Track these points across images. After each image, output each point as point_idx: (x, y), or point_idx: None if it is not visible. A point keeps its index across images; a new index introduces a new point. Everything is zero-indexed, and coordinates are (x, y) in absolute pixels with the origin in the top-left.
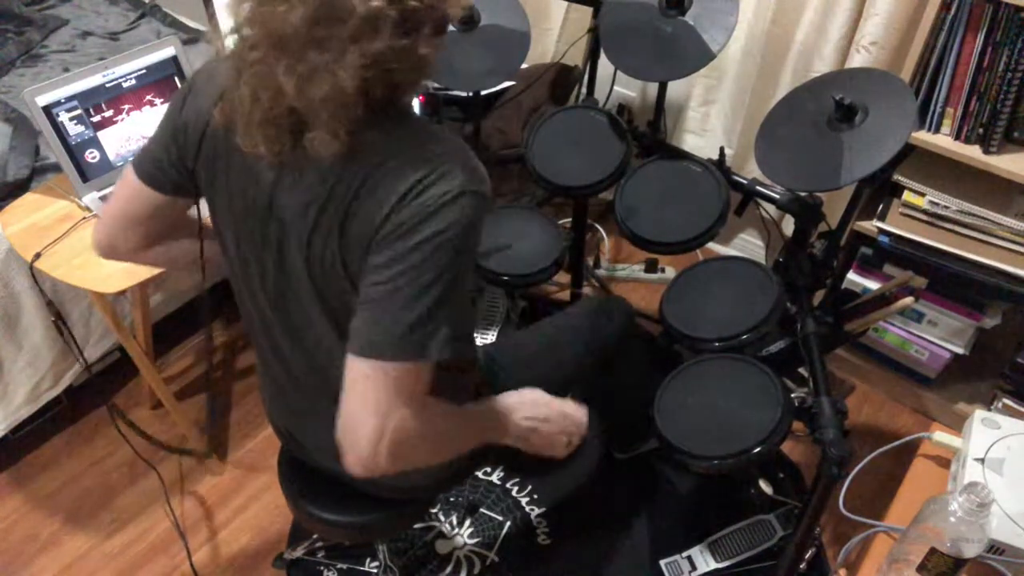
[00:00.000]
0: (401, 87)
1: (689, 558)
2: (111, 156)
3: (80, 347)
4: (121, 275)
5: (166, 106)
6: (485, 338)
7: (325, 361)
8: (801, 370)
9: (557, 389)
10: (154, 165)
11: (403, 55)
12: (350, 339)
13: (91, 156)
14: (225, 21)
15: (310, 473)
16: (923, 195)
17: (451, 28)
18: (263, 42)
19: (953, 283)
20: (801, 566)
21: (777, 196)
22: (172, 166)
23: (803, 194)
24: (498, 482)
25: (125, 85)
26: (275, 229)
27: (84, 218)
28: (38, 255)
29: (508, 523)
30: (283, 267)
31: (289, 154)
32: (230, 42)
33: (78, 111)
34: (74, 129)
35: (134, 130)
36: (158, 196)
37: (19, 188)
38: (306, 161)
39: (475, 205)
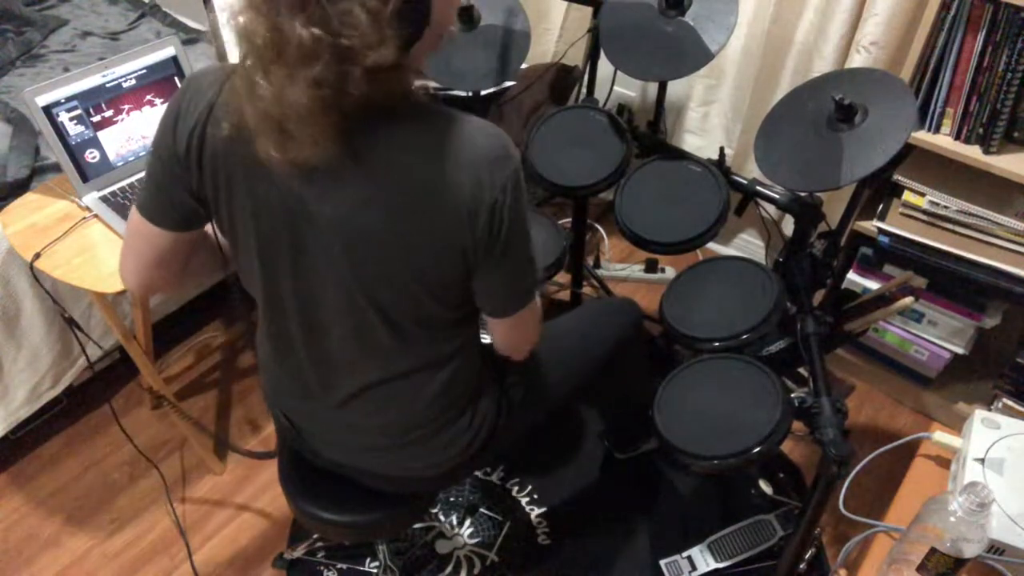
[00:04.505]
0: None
1: (689, 558)
2: (111, 156)
3: (82, 346)
4: None
5: (165, 108)
6: (486, 338)
7: (356, 349)
8: (801, 370)
9: (564, 389)
10: (162, 206)
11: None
12: (495, 305)
13: (91, 156)
14: (225, 20)
15: (310, 472)
16: (923, 195)
17: (451, 28)
18: (325, 51)
19: (953, 283)
20: (801, 566)
21: (777, 196)
22: (180, 200)
23: (803, 194)
24: (498, 482)
25: (125, 85)
26: (308, 230)
27: (84, 218)
28: (38, 255)
29: (508, 523)
30: (318, 265)
31: (335, 158)
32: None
33: (78, 111)
34: (74, 129)
35: (134, 130)
36: (173, 235)
37: (19, 188)
38: (351, 162)
39: (520, 173)
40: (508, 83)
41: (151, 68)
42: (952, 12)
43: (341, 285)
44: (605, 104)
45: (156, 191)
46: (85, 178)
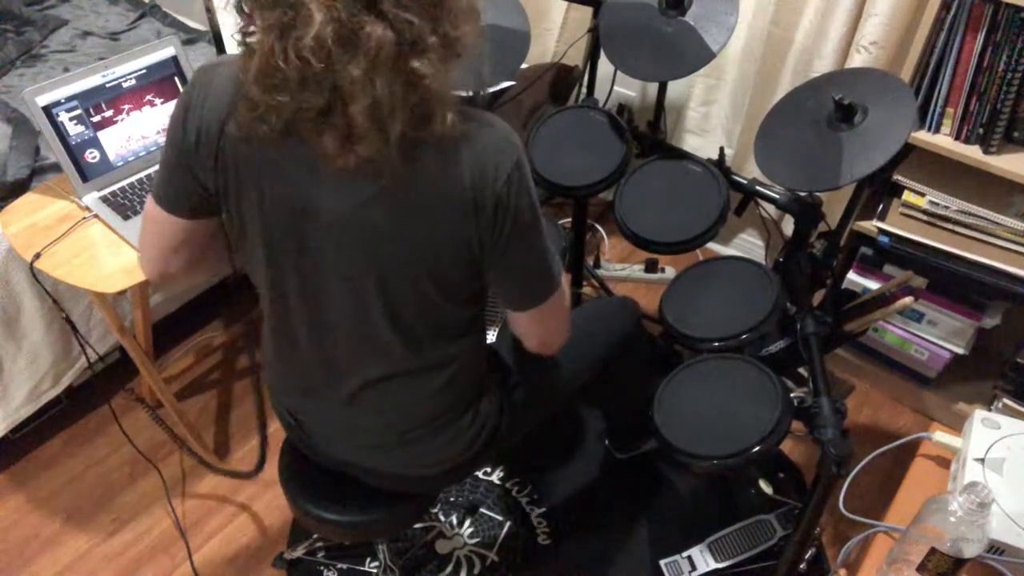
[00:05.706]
0: None
1: (689, 558)
2: (111, 156)
3: (83, 347)
4: (121, 275)
5: (166, 107)
6: (490, 339)
7: (360, 345)
8: (801, 370)
9: (566, 389)
10: (174, 193)
11: None
12: (517, 298)
13: (91, 156)
14: (226, 21)
15: (310, 472)
16: (923, 195)
17: None
18: (365, 55)
19: (953, 283)
20: (801, 566)
21: (777, 196)
22: (191, 190)
23: (803, 194)
24: (498, 482)
25: (125, 85)
26: (313, 228)
27: (84, 218)
28: (38, 255)
29: (508, 523)
30: (323, 262)
31: (355, 157)
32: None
33: (78, 111)
34: (74, 129)
35: (134, 130)
36: (186, 222)
37: (19, 188)
38: (367, 162)
39: (523, 160)
40: (508, 83)
41: (151, 68)
42: (952, 12)
43: (345, 283)
44: (605, 104)
45: (168, 179)
46: (85, 178)
